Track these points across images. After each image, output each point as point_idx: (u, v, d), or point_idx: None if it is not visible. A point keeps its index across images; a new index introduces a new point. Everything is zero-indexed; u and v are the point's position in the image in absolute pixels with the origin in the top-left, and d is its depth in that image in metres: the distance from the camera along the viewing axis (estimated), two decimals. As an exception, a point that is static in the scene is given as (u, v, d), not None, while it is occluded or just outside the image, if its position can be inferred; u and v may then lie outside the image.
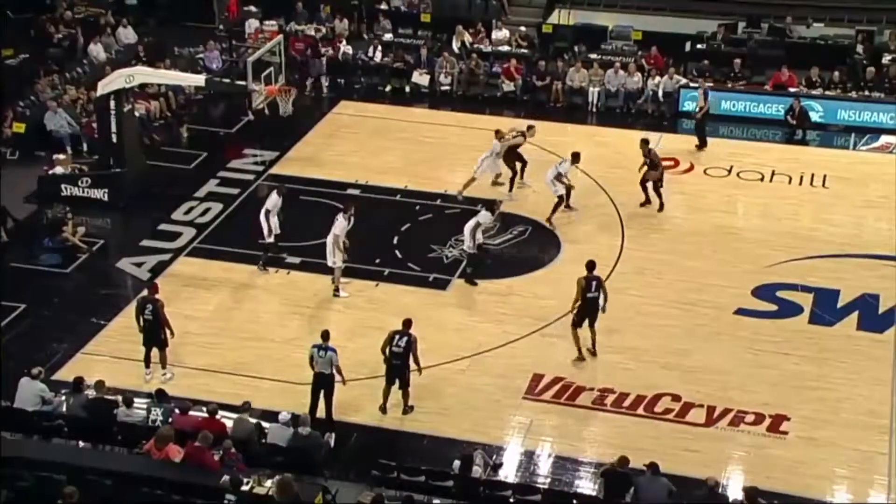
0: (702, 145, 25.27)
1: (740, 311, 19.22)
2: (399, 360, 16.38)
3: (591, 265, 18.14)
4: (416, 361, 16.48)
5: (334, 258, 19.36)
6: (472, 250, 20.08)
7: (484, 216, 20.08)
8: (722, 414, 16.75)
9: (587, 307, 17.78)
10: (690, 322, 19.00)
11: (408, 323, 16.59)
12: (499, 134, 22.86)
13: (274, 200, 20.29)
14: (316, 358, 16.18)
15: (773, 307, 19.39)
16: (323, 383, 16.24)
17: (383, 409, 16.70)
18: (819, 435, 16.38)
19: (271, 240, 20.27)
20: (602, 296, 17.77)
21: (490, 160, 22.76)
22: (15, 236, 21.28)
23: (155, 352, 17.28)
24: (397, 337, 16.42)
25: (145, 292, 17.80)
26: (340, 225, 19.28)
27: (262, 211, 20.23)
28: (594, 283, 17.82)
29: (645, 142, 22.53)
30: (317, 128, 26.30)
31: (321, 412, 16.31)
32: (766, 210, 22.75)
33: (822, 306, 19.35)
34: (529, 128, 23.34)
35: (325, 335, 16.28)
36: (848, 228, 21.96)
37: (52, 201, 22.00)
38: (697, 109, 25.50)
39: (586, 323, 17.85)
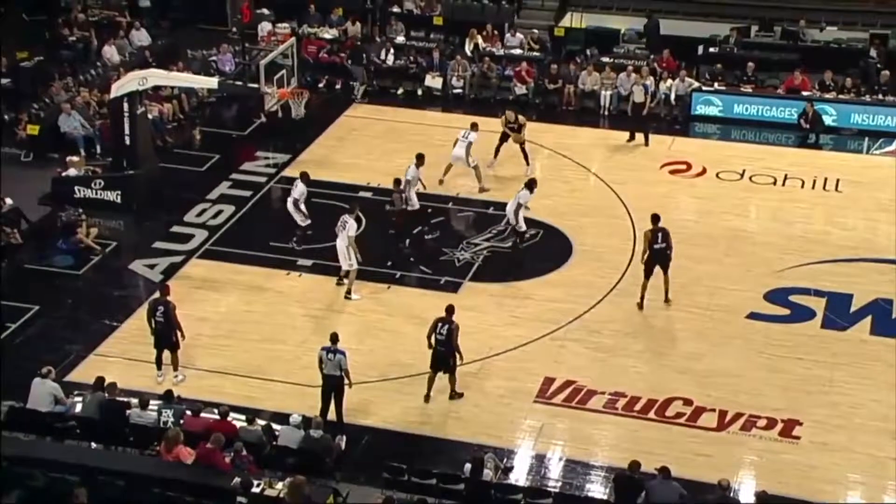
0: (631, 138, 25.69)
1: (752, 315, 19.15)
2: (443, 348, 16.51)
3: (655, 218, 18.87)
4: (457, 350, 16.57)
5: (350, 261, 19.39)
6: (521, 229, 20.69)
7: (524, 195, 20.55)
8: (734, 418, 16.69)
9: (655, 257, 18.62)
10: (702, 326, 18.95)
11: (450, 310, 16.69)
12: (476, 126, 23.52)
13: (301, 189, 20.58)
14: (325, 360, 16.16)
15: (786, 311, 19.33)
16: (332, 386, 16.22)
17: (427, 398, 16.77)
18: (831, 440, 16.32)
19: (307, 222, 20.64)
20: (668, 246, 18.57)
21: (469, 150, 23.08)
22: (29, 238, 21.33)
23: (167, 354, 17.33)
24: (440, 325, 16.53)
25: (157, 294, 17.83)
26: (353, 227, 19.33)
27: (290, 201, 20.60)
28: (660, 234, 18.65)
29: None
30: (329, 130, 26.31)
31: (332, 415, 16.29)
32: (778, 214, 22.68)
33: (834, 310, 19.28)
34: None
35: (334, 338, 16.26)
36: (861, 232, 21.89)
37: (65, 203, 22.08)
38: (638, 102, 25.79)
39: (658, 272, 18.70)
